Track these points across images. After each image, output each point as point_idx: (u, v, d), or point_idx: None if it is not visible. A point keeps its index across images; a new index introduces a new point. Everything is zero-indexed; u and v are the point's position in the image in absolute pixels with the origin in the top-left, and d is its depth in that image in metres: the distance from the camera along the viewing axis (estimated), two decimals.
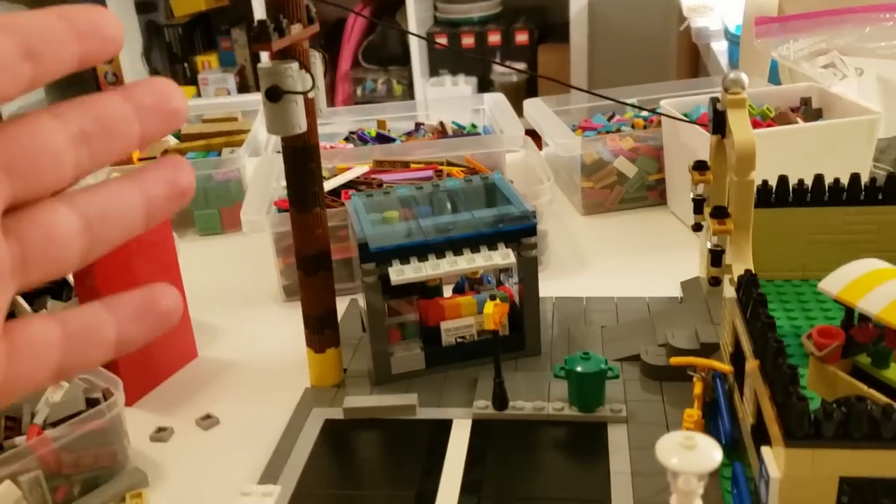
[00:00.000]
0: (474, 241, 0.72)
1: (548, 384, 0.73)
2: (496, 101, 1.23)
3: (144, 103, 0.28)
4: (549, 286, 0.87)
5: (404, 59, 3.19)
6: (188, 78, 3.39)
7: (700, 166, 0.74)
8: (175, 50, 3.45)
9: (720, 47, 1.81)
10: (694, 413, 0.62)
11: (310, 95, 0.66)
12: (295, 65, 0.64)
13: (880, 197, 0.75)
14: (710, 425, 0.64)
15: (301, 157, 0.69)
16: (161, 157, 0.30)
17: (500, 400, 0.70)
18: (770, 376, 0.52)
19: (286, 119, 0.65)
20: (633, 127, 1.12)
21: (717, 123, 0.69)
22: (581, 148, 1.05)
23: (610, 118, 1.18)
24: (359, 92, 3.26)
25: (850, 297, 0.55)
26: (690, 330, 0.74)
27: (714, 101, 0.69)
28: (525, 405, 0.70)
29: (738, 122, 0.65)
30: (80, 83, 3.47)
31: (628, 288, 0.88)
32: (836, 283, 0.57)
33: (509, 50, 3.18)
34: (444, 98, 2.85)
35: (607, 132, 1.10)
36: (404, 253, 0.71)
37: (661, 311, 0.82)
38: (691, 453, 0.41)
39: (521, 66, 3.14)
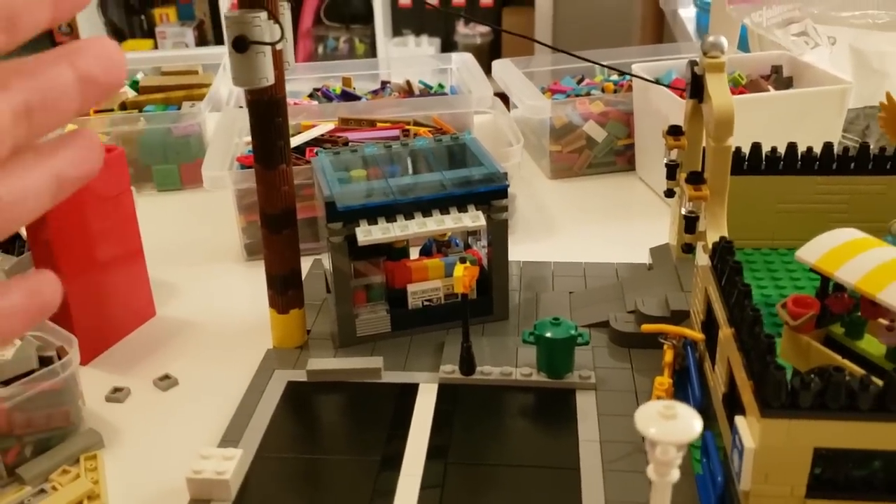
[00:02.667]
0: (444, 203, 0.71)
1: (516, 349, 0.71)
2: (464, 61, 1.21)
3: (90, 73, 0.27)
4: (517, 251, 0.85)
5: (367, 18, 3.13)
6: (145, 31, 3.30)
7: (674, 131, 0.73)
8: (132, 2, 3.35)
9: (688, 14, 1.80)
10: (665, 381, 0.62)
11: (278, 47, 0.64)
12: (263, 14, 0.61)
13: (852, 167, 0.75)
14: (679, 394, 0.63)
15: (267, 111, 0.66)
16: (70, 134, 0.28)
17: (468, 364, 0.68)
18: (746, 345, 0.52)
19: (253, 71, 0.62)
20: (603, 91, 1.10)
21: (695, 87, 0.68)
22: (550, 111, 1.04)
23: (579, 81, 1.16)
24: (320, 50, 3.20)
25: (828, 267, 0.54)
26: (660, 297, 0.74)
27: (692, 64, 0.67)
28: (492, 370, 0.69)
29: (717, 87, 0.64)
30: None
31: (596, 253, 0.87)
32: (813, 251, 0.56)
33: (473, 11, 3.13)
34: (408, 57, 2.80)
35: (577, 95, 1.09)
36: (372, 213, 0.69)
37: (629, 278, 0.81)
38: (670, 423, 0.40)
39: (487, 28, 3.10)
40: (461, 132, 0.85)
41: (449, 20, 3.11)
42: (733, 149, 0.75)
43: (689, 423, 0.40)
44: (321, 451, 0.63)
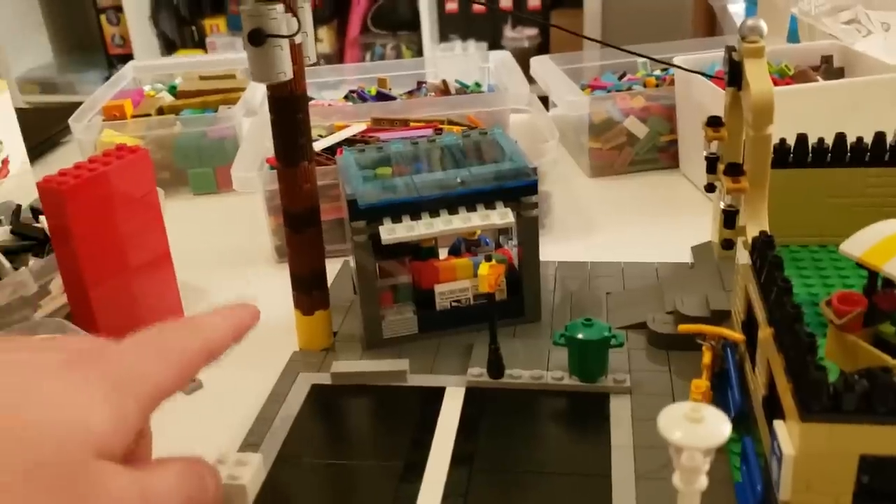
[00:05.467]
0: (470, 200, 0.68)
1: (547, 352, 0.69)
2: (502, 60, 1.18)
3: None
4: (552, 250, 0.83)
5: (414, 24, 3.12)
6: (196, 41, 3.34)
7: (714, 122, 0.70)
8: (183, 13, 3.40)
9: (737, 9, 1.75)
10: (702, 384, 0.58)
11: (296, 40, 0.62)
12: (280, 6, 0.60)
13: None
14: (718, 397, 0.60)
15: (287, 107, 0.64)
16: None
17: (496, 367, 0.66)
18: (785, 344, 0.48)
19: (270, 65, 0.61)
20: (644, 86, 1.07)
21: (733, 75, 0.64)
22: (589, 106, 1.01)
23: (621, 77, 1.13)
24: (367, 58, 3.21)
25: (875, 260, 0.51)
26: (700, 296, 0.70)
27: (730, 49, 0.64)
28: (522, 374, 0.66)
29: (756, 73, 0.60)
30: (90, 47, 3.43)
31: (636, 253, 0.84)
32: (859, 244, 0.52)
33: (522, 14, 3.11)
34: (449, 56, 2.79)
35: (617, 91, 1.05)
36: (396, 210, 0.67)
37: (669, 278, 0.78)
38: (697, 426, 0.37)
39: (534, 31, 3.08)
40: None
41: (496, 24, 3.09)
42: (776, 141, 0.72)
43: (716, 426, 0.37)
44: (343, 457, 0.61)
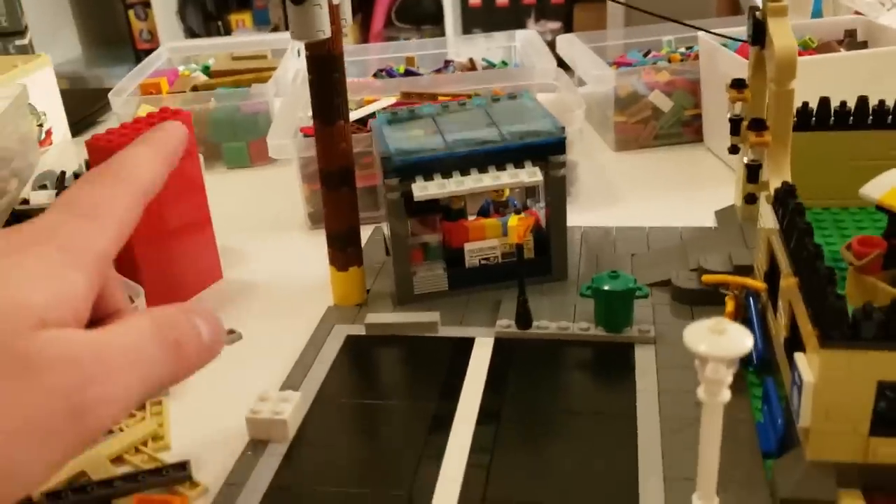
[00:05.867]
0: (500, 157, 0.70)
1: (574, 306, 0.71)
2: (529, 39, 1.21)
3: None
4: (578, 219, 0.85)
5: (437, 18, 3.15)
6: (222, 36, 3.38)
7: (738, 84, 0.72)
8: (209, 8, 3.44)
9: None
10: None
11: (334, 1, 0.65)
12: None
13: None
14: None
15: (325, 66, 0.67)
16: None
17: (524, 319, 0.68)
18: (805, 279, 0.50)
19: (310, 24, 0.63)
20: (669, 62, 1.09)
21: (757, 34, 0.66)
22: (615, 80, 1.03)
23: (646, 54, 1.15)
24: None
25: (894, 201, 0.52)
26: (724, 254, 0.72)
27: (753, 9, 0.66)
28: (549, 325, 0.68)
29: (779, 30, 0.62)
30: (118, 41, 3.49)
31: (660, 221, 0.85)
32: (878, 187, 0.54)
33: (544, 8, 3.13)
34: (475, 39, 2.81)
35: (643, 66, 1.07)
36: (428, 168, 0.70)
37: (693, 238, 0.80)
38: (720, 338, 0.39)
39: (557, 24, 3.09)
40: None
41: (518, 16, 3.11)
42: (799, 104, 0.74)
43: (739, 338, 0.39)
44: (376, 398, 0.63)
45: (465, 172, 0.70)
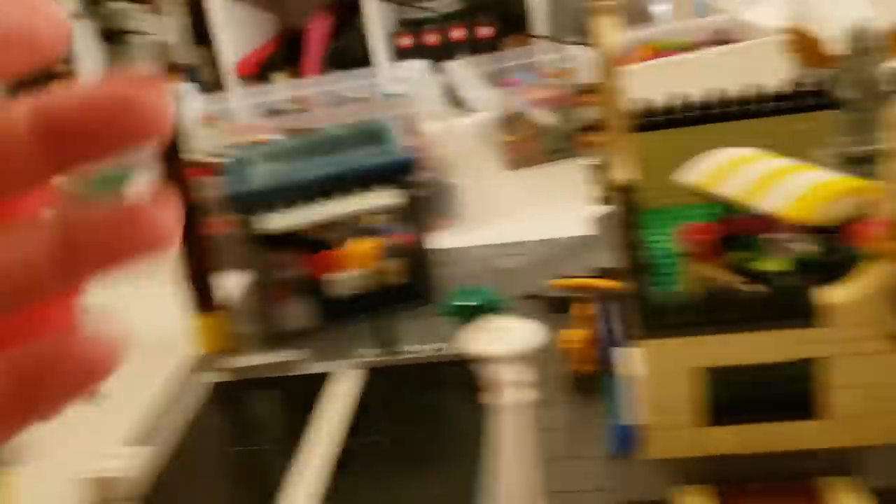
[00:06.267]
0: (351, 184, 0.69)
1: (443, 328, 0.69)
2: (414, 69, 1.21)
3: None
4: (465, 240, 0.85)
5: (368, 61, 3.16)
6: None
7: (587, 90, 0.71)
8: None
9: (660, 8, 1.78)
10: (574, 334, 0.59)
11: None
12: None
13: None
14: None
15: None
16: None
17: (389, 346, 0.66)
18: (628, 272, 0.49)
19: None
20: (552, 78, 1.09)
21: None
22: (498, 102, 1.02)
23: (531, 73, 1.15)
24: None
25: (708, 185, 0.51)
26: (592, 259, 0.71)
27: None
28: (419, 348, 0.67)
29: (605, 30, 0.61)
30: None
31: (547, 235, 0.84)
32: (693, 171, 0.53)
33: (474, 43, 3.15)
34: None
35: (527, 85, 1.07)
36: (276, 201, 0.68)
37: (570, 247, 0.79)
38: (497, 336, 0.37)
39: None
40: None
41: (449, 53, 3.12)
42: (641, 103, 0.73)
43: (519, 335, 0.38)
44: (239, 444, 0.61)
45: (319, 200, 0.69)
